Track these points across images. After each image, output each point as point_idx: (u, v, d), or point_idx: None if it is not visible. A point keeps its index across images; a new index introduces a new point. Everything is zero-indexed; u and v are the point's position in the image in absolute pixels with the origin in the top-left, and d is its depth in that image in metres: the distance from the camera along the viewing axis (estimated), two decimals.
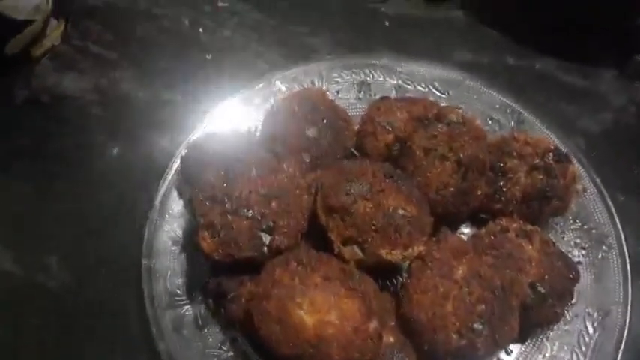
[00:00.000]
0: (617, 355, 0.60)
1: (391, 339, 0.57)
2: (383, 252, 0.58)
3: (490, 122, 0.77)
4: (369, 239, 0.58)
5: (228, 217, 0.59)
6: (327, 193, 0.60)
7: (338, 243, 0.59)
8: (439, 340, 0.54)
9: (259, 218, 0.60)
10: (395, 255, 0.58)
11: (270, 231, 0.59)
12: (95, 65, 0.87)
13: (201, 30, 0.92)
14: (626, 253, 0.66)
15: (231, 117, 0.76)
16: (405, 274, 0.61)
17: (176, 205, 0.69)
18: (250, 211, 0.60)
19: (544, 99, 0.86)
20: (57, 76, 0.85)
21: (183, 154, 0.69)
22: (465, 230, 0.70)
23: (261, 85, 0.78)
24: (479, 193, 0.65)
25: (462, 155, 0.63)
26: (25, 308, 0.67)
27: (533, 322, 0.60)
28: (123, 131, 0.81)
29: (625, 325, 0.62)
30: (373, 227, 0.58)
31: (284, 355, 0.52)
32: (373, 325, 0.53)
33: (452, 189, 0.64)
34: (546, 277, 0.60)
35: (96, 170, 0.77)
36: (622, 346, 0.61)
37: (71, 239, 0.71)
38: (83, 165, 0.78)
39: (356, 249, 0.59)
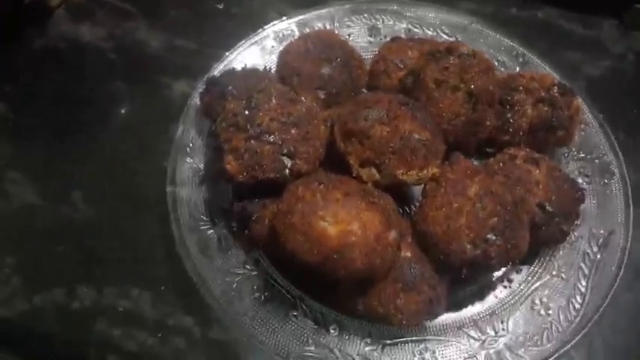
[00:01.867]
0: (618, 273, 0.63)
1: (408, 254, 0.59)
2: (399, 173, 0.60)
3: (496, 64, 0.79)
4: (386, 161, 0.60)
5: (252, 142, 0.62)
6: (346, 119, 0.63)
7: (356, 165, 0.62)
8: (454, 251, 0.57)
9: (280, 143, 0.62)
10: (410, 176, 0.61)
11: (291, 155, 0.62)
12: (109, 15, 0.89)
13: None
14: (627, 179, 0.69)
15: (245, 59, 0.78)
16: (419, 202, 0.64)
17: (195, 140, 0.71)
18: (272, 137, 0.62)
19: (547, 46, 0.88)
20: (73, 26, 0.87)
21: (202, 89, 0.71)
22: (474, 163, 0.72)
23: (274, 29, 0.80)
24: (488, 123, 0.68)
25: (472, 86, 0.66)
26: (49, 238, 0.69)
27: (541, 241, 0.64)
28: (139, 77, 0.83)
29: (627, 245, 0.65)
30: (390, 150, 0.60)
31: (309, 263, 0.54)
32: (392, 234, 0.55)
33: (462, 119, 0.66)
34: (553, 197, 0.63)
35: (115, 114, 0.80)
36: (623, 265, 0.64)
37: (93, 177, 0.74)
38: (102, 110, 0.80)
39: (373, 171, 0.61)
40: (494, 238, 0.57)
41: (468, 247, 0.57)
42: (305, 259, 0.54)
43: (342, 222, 0.55)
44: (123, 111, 0.80)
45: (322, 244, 0.54)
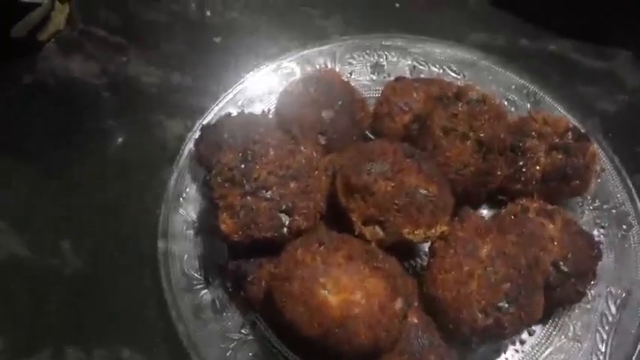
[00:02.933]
0: None
1: (415, 320, 0.56)
2: (405, 231, 0.57)
3: (506, 103, 0.76)
4: (391, 219, 0.57)
5: (248, 198, 0.58)
6: (348, 173, 0.59)
7: (359, 223, 0.58)
8: (464, 320, 0.54)
9: (278, 199, 0.59)
10: (417, 235, 0.57)
11: (289, 212, 0.58)
12: (102, 49, 0.85)
13: (208, 12, 0.90)
14: None
15: (243, 100, 0.74)
16: (425, 256, 0.61)
17: (190, 189, 0.67)
18: (269, 192, 0.59)
19: (559, 80, 0.85)
20: (63, 60, 0.84)
21: (196, 137, 0.67)
22: (484, 212, 0.69)
23: (273, 67, 0.76)
24: (499, 173, 0.64)
25: (482, 134, 0.62)
26: (40, 294, 0.66)
27: (555, 302, 0.60)
28: (132, 115, 0.79)
29: None
30: (395, 207, 0.57)
31: (309, 336, 0.51)
32: (399, 303, 0.52)
33: (472, 169, 0.63)
34: (569, 255, 0.59)
35: (106, 155, 0.76)
36: None
37: (83, 224, 0.70)
38: (93, 150, 0.76)
39: (377, 229, 0.58)
40: (506, 305, 0.54)
41: (480, 316, 0.54)
42: (305, 331, 0.51)
43: (344, 290, 0.51)
44: (114, 151, 0.76)
45: (323, 315, 0.50)
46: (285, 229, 0.58)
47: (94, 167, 0.75)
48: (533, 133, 0.67)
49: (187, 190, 0.67)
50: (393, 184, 0.58)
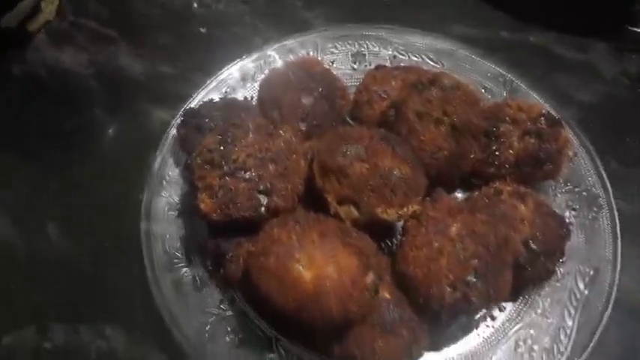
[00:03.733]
0: (606, 311, 0.61)
1: (387, 295, 0.58)
2: (378, 210, 0.59)
3: (483, 91, 0.78)
4: (365, 199, 0.59)
5: (226, 179, 0.60)
6: (324, 155, 0.61)
7: (334, 203, 0.60)
8: (434, 294, 0.55)
9: (257, 180, 0.61)
10: (390, 214, 0.59)
11: (267, 192, 0.60)
12: (91, 40, 0.87)
13: (195, 4, 0.92)
14: (616, 214, 0.67)
15: (226, 88, 0.76)
16: (399, 235, 0.63)
17: (172, 172, 0.69)
18: (248, 174, 0.61)
19: (539, 71, 0.87)
20: (53, 51, 0.86)
21: (179, 121, 0.69)
22: (458, 195, 0.71)
23: (256, 56, 0.78)
24: (472, 156, 0.66)
25: (455, 119, 0.64)
26: (23, 274, 0.67)
27: (525, 280, 0.62)
28: (120, 104, 0.81)
29: (615, 281, 0.63)
30: (369, 187, 0.59)
31: (283, 309, 0.53)
32: (370, 278, 0.54)
33: (445, 152, 0.65)
34: (539, 235, 0.61)
35: (94, 142, 0.78)
36: (611, 303, 0.62)
37: (71, 209, 0.72)
38: (82, 137, 0.78)
39: (352, 208, 0.60)
40: (474, 280, 0.56)
41: (448, 290, 0.55)
42: (279, 304, 0.53)
43: (317, 265, 0.53)
44: (102, 140, 0.78)
45: (297, 289, 0.52)
46: (262, 209, 0.60)
47: (83, 156, 0.77)
48: (508, 119, 0.69)
49: (170, 173, 0.69)
50: (367, 166, 0.60)
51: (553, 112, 0.72)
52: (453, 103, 0.65)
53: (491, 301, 0.57)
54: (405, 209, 0.60)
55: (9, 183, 0.75)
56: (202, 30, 0.88)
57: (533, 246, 0.60)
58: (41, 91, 0.82)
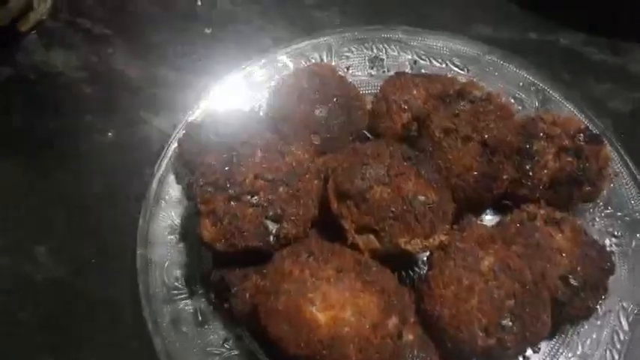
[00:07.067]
0: None
1: (410, 337, 0.52)
2: (402, 241, 0.53)
3: (513, 101, 0.71)
4: (387, 227, 0.53)
5: (232, 204, 0.54)
6: (340, 178, 0.55)
7: (352, 232, 0.54)
8: (464, 339, 0.50)
9: (265, 205, 0.54)
10: (415, 245, 0.53)
11: (277, 219, 0.54)
12: (85, 41, 0.81)
13: (199, 2, 0.85)
14: None
15: (232, 95, 0.70)
16: (424, 266, 0.57)
17: (173, 191, 0.64)
18: (255, 198, 0.55)
19: (569, 77, 0.80)
20: (45, 52, 0.80)
21: (181, 135, 0.63)
22: (487, 218, 0.65)
23: (265, 61, 0.72)
24: (505, 177, 0.60)
25: (486, 136, 0.58)
26: (13, 302, 0.62)
27: (563, 318, 0.56)
28: (115, 111, 0.75)
29: None
30: (391, 214, 0.53)
31: (295, 356, 0.47)
32: (393, 321, 0.48)
33: (475, 173, 0.58)
34: (579, 268, 0.55)
35: (86, 153, 0.72)
36: None
37: (60, 227, 0.67)
38: (72, 148, 0.73)
39: (372, 238, 0.54)
40: (510, 324, 0.50)
41: (481, 335, 0.49)
42: (291, 351, 0.47)
43: (333, 307, 0.47)
44: (95, 149, 0.72)
45: (310, 334, 0.46)
46: (272, 238, 0.54)
47: (74, 167, 0.71)
48: (542, 135, 0.62)
49: (170, 192, 0.63)
50: (389, 190, 0.54)
51: (590, 126, 0.65)
52: (484, 117, 0.58)
53: (529, 344, 0.51)
54: (432, 240, 0.53)
55: None
56: (207, 31, 0.82)
57: (573, 281, 0.54)
58: (29, 96, 0.76)
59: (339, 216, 0.55)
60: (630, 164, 0.66)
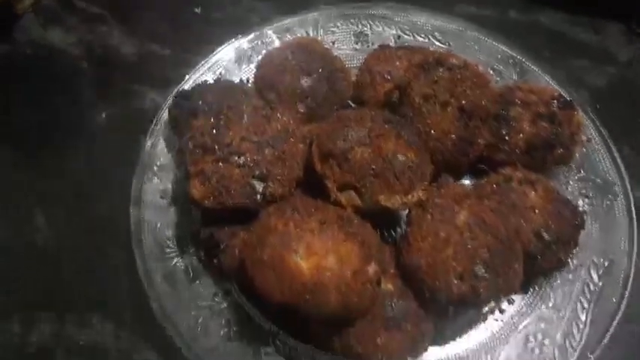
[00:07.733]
0: (621, 304, 0.58)
1: (390, 287, 0.54)
2: (381, 198, 0.55)
3: (492, 73, 0.74)
4: (367, 185, 0.55)
5: (220, 164, 0.57)
6: (323, 138, 0.57)
7: (334, 189, 0.56)
8: (440, 287, 0.52)
9: (252, 165, 0.57)
10: (394, 201, 0.56)
11: (263, 178, 0.57)
12: (81, 20, 0.84)
13: None
14: (632, 202, 0.63)
15: (221, 69, 0.73)
16: (404, 225, 0.59)
17: (164, 157, 0.66)
18: (242, 159, 0.57)
19: (548, 53, 0.83)
20: (41, 31, 0.82)
21: (171, 103, 0.66)
22: (466, 182, 0.67)
23: (253, 36, 0.74)
24: (481, 141, 0.63)
25: (464, 101, 0.61)
26: (12, 265, 0.64)
27: (536, 271, 0.59)
28: (110, 86, 0.78)
29: (630, 273, 0.60)
30: (371, 173, 0.55)
31: (279, 303, 0.49)
32: (372, 268, 0.50)
33: (453, 137, 0.61)
34: (551, 224, 0.57)
35: (83, 126, 0.75)
36: (627, 296, 0.59)
37: (58, 195, 0.69)
38: (70, 122, 0.75)
39: (353, 195, 0.56)
40: (483, 272, 0.52)
41: (455, 282, 0.52)
42: (276, 298, 0.49)
43: (316, 255, 0.50)
44: (92, 122, 0.75)
45: (293, 281, 0.49)
46: (258, 196, 0.56)
47: (72, 140, 0.73)
48: (518, 102, 0.65)
49: (161, 158, 0.65)
50: (369, 150, 0.56)
51: (566, 95, 0.68)
52: (461, 84, 0.61)
53: (501, 293, 0.54)
54: (410, 196, 0.56)
55: None
56: (197, 10, 0.84)
57: (545, 235, 0.57)
58: (28, 72, 0.78)
59: (322, 176, 0.57)
60: (603, 132, 0.69)
